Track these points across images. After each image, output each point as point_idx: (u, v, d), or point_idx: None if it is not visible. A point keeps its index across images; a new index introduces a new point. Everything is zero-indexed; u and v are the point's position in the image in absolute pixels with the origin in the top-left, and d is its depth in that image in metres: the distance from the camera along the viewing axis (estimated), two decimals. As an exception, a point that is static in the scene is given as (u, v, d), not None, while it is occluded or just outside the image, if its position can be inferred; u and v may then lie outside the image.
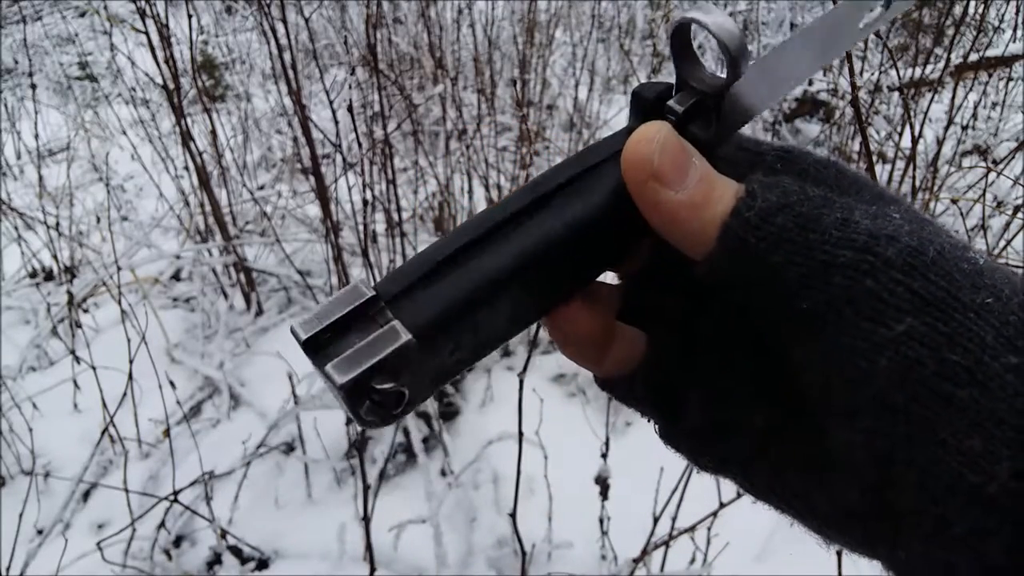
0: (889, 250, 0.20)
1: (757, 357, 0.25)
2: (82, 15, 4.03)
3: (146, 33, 1.64)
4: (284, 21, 1.38)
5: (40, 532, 1.43)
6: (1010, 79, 2.20)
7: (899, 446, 0.20)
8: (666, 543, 1.10)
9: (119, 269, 1.58)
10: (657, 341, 0.27)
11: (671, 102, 0.25)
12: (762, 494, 0.25)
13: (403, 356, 0.22)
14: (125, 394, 1.40)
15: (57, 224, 2.12)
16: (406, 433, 1.54)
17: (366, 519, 1.14)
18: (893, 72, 1.88)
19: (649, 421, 0.28)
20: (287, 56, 1.41)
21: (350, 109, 1.27)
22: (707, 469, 0.27)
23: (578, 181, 0.25)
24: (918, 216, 0.23)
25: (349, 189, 1.59)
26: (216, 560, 1.42)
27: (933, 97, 1.52)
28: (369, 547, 1.15)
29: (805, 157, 0.26)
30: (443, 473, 1.54)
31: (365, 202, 1.47)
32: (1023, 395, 0.19)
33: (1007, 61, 2.11)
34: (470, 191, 2.08)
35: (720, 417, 0.25)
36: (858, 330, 0.20)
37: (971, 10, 1.81)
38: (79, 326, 1.87)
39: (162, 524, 1.33)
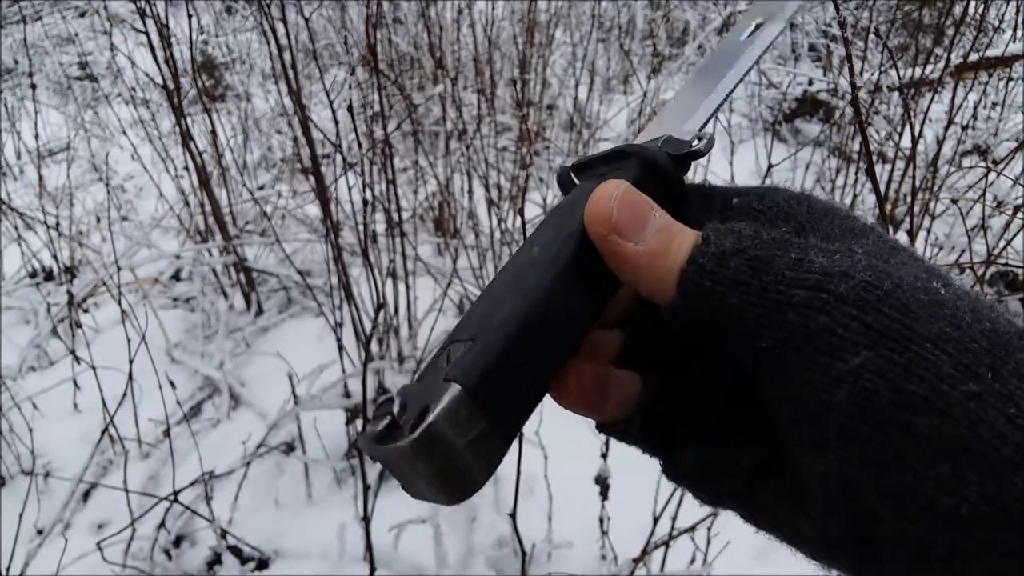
0: (842, 286, 0.21)
1: (738, 399, 0.26)
2: (82, 15, 4.03)
3: (146, 33, 1.64)
4: (284, 21, 1.38)
5: (40, 532, 1.43)
6: (1010, 79, 2.19)
7: (869, 474, 0.20)
8: (666, 543, 1.10)
9: (119, 269, 1.58)
10: (651, 385, 0.27)
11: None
12: (761, 526, 0.26)
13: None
14: (125, 394, 1.40)
15: (57, 224, 2.12)
16: (406, 433, 1.54)
17: (366, 519, 1.14)
18: (893, 72, 1.88)
19: (651, 457, 0.29)
20: (287, 56, 1.41)
21: (350, 109, 1.27)
22: (707, 503, 0.28)
23: (550, 244, 0.27)
24: (887, 247, 0.24)
25: (349, 189, 1.59)
26: (216, 560, 1.42)
27: (933, 97, 1.51)
28: (369, 547, 1.15)
29: (775, 194, 0.27)
30: (443, 473, 1.54)
31: (365, 202, 1.47)
32: (986, 422, 0.19)
33: (1007, 61, 2.11)
34: (470, 191, 2.08)
35: (711, 458, 0.26)
36: (816, 364, 0.21)
37: (971, 10, 1.81)
38: (79, 326, 1.87)
39: (162, 524, 1.33)
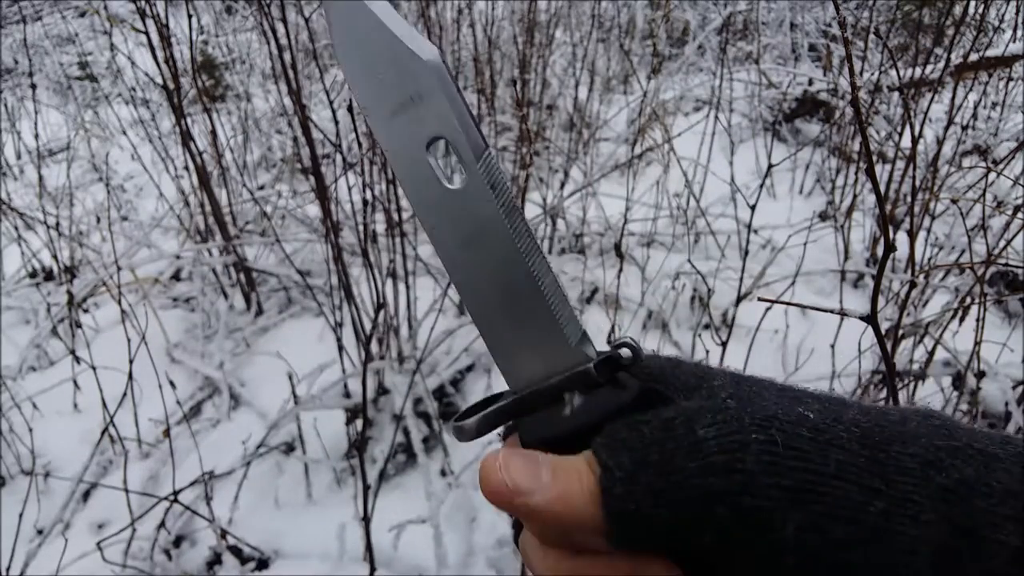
0: (748, 460, 0.22)
1: None
2: (82, 15, 4.03)
3: (146, 33, 1.64)
4: (284, 21, 1.38)
5: (40, 532, 1.43)
6: (1010, 79, 2.20)
7: None
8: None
9: (119, 269, 1.58)
10: None
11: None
12: None
13: None
14: (125, 394, 1.40)
15: (57, 224, 2.12)
16: (406, 433, 1.54)
17: (366, 519, 1.14)
18: (893, 72, 1.88)
19: None
20: (287, 56, 1.41)
21: (350, 109, 1.27)
22: None
23: None
24: (734, 378, 0.26)
25: (349, 189, 1.59)
26: (216, 560, 1.42)
27: (933, 97, 1.52)
28: (369, 547, 1.15)
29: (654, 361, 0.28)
30: (443, 473, 1.54)
31: (365, 202, 1.47)
32: (899, 532, 0.21)
33: (1007, 61, 2.11)
34: (470, 191, 2.08)
35: None
36: (759, 542, 0.22)
37: (971, 10, 1.81)
38: (79, 326, 1.87)
39: (162, 524, 1.33)
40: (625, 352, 0.27)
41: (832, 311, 0.59)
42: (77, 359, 1.69)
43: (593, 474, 0.24)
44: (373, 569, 1.14)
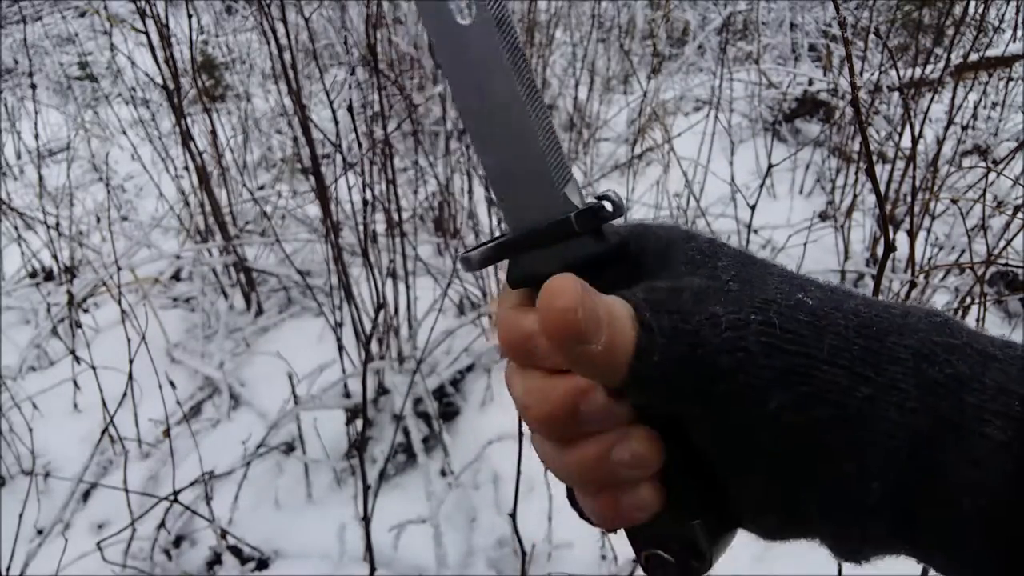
0: (750, 339, 0.22)
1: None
2: (82, 15, 4.03)
3: (146, 33, 1.64)
4: (284, 21, 1.38)
5: (40, 532, 1.43)
6: (1010, 79, 2.19)
7: (791, 492, 0.24)
8: (666, 543, 1.10)
9: (119, 269, 1.58)
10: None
11: None
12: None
13: None
14: (125, 394, 1.40)
15: (57, 224, 2.12)
16: (406, 433, 1.54)
17: (366, 519, 1.14)
18: (893, 72, 1.88)
19: None
20: (287, 56, 1.41)
21: (350, 109, 1.27)
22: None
23: None
24: (742, 259, 0.26)
25: (349, 189, 1.59)
26: (216, 560, 1.42)
27: (933, 97, 1.52)
28: (369, 547, 1.15)
29: (649, 231, 0.29)
30: (443, 473, 1.54)
31: (365, 202, 1.47)
32: (881, 416, 0.22)
33: (1007, 61, 2.11)
34: (470, 191, 2.08)
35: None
36: (744, 415, 0.23)
37: (971, 10, 1.81)
38: (79, 326, 1.87)
39: (162, 524, 1.33)
40: (608, 205, 0.27)
41: (832, 311, 0.59)
42: (77, 359, 1.69)
43: (634, 330, 0.23)
44: (373, 569, 1.14)
